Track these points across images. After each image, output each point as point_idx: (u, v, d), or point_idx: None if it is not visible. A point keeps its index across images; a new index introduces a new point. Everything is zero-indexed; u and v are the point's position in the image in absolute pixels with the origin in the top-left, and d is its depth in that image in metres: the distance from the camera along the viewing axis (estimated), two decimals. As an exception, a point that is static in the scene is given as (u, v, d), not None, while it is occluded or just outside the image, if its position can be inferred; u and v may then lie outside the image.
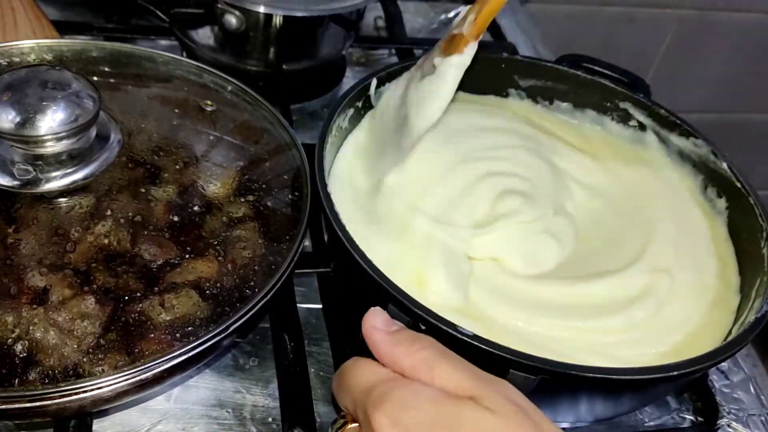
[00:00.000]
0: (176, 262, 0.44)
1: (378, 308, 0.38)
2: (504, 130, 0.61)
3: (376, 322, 0.37)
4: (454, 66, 0.50)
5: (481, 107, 0.64)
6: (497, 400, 0.34)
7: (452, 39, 0.51)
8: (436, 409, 0.33)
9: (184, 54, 0.74)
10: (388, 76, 0.60)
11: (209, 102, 0.55)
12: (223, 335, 0.40)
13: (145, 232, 0.45)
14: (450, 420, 0.33)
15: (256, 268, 0.45)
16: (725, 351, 0.43)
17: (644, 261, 0.52)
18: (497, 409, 0.33)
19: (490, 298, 0.48)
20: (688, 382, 0.53)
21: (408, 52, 0.82)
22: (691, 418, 0.53)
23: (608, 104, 0.64)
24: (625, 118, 0.64)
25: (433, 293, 0.47)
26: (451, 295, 0.47)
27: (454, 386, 0.34)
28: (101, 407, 0.42)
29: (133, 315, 0.41)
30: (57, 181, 0.45)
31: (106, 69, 0.57)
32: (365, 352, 0.37)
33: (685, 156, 0.61)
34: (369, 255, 0.44)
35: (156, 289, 0.43)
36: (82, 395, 0.37)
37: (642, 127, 0.63)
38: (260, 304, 0.42)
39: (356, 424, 0.36)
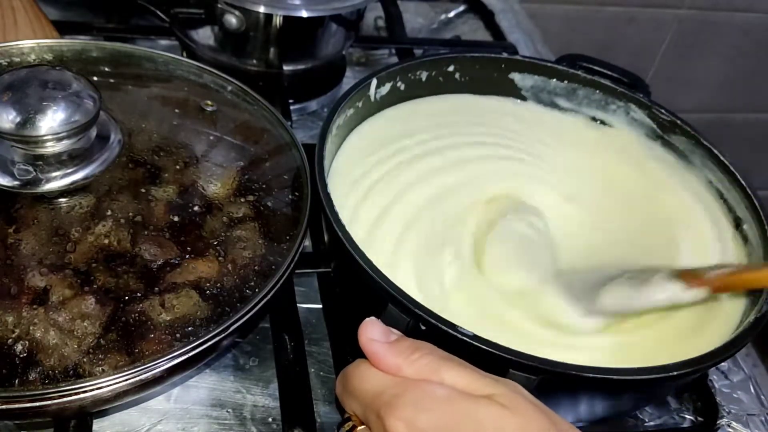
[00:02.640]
0: (176, 262, 0.44)
1: (372, 318, 0.37)
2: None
3: (372, 334, 0.36)
4: (669, 293, 0.47)
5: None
6: (512, 398, 0.33)
7: (692, 272, 0.47)
8: (452, 410, 0.32)
9: (184, 54, 0.74)
10: (388, 76, 0.60)
11: (209, 102, 0.55)
12: (223, 335, 0.40)
13: (146, 232, 0.45)
14: (468, 420, 0.32)
15: (256, 268, 0.45)
16: (725, 351, 0.43)
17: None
18: (513, 406, 0.32)
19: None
20: (688, 382, 0.53)
21: (408, 52, 0.82)
22: (691, 418, 0.53)
23: (608, 104, 0.64)
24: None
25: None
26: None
27: (465, 387, 0.33)
28: (101, 407, 0.42)
29: (133, 315, 0.41)
30: (57, 181, 0.45)
31: (106, 69, 0.57)
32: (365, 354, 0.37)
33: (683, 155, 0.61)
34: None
35: (156, 289, 0.43)
36: (82, 395, 0.37)
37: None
38: (260, 304, 0.42)
39: (364, 427, 0.36)
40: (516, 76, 0.66)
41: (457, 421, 0.32)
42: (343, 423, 0.37)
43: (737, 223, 0.56)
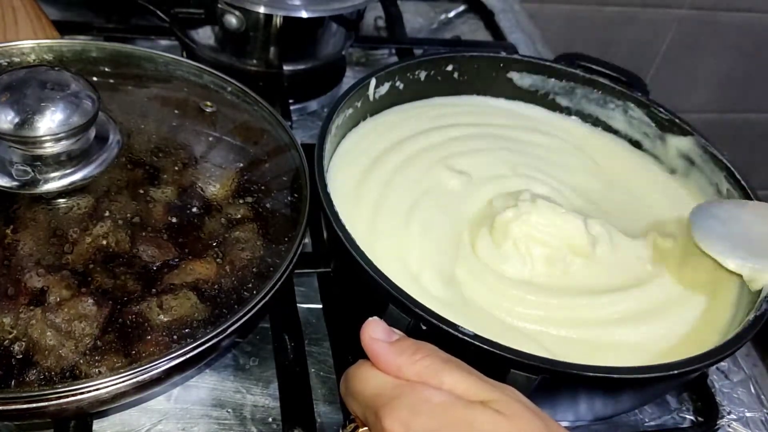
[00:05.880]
0: (175, 263, 0.44)
1: (375, 318, 0.37)
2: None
3: (375, 333, 0.36)
4: None
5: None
6: (509, 404, 0.33)
7: None
8: (448, 415, 0.32)
9: (184, 54, 0.74)
10: (387, 76, 0.60)
11: (209, 103, 0.55)
12: (220, 337, 0.40)
13: (144, 234, 0.45)
14: (463, 425, 0.32)
15: (255, 269, 0.45)
16: (725, 350, 0.43)
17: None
18: (509, 412, 0.33)
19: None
20: (688, 382, 0.53)
21: (408, 52, 0.82)
22: (691, 418, 0.53)
23: (607, 103, 0.64)
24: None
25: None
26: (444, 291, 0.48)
27: (463, 391, 0.34)
28: (100, 408, 0.42)
29: (130, 316, 0.41)
30: (56, 181, 0.44)
31: (106, 69, 0.57)
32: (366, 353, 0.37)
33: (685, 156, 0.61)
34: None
35: (154, 290, 0.43)
36: (79, 397, 0.37)
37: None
38: (258, 306, 0.42)
39: (366, 428, 0.36)
40: (514, 76, 0.66)
41: (452, 426, 0.32)
42: (345, 424, 0.37)
43: None
